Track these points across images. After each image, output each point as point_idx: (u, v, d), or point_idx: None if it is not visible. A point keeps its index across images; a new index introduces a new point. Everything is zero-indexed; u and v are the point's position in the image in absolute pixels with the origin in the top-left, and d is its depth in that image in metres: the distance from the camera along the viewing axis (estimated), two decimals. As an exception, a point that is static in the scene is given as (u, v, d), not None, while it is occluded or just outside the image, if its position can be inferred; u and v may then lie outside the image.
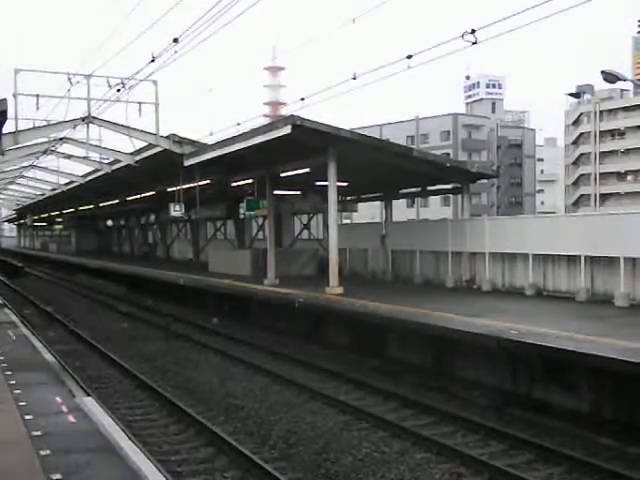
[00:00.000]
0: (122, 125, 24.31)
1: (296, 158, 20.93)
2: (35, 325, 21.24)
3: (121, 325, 23.17)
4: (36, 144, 26.52)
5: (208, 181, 25.63)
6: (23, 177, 42.16)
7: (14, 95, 22.17)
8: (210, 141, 24.14)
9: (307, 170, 21.33)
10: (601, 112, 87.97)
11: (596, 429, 10.12)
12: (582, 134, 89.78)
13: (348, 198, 29.50)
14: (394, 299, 17.22)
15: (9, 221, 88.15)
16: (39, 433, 7.50)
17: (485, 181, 55.39)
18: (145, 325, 23.00)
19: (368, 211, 36.22)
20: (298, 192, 27.59)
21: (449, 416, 11.24)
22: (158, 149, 24.62)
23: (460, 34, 12.81)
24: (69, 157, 31.73)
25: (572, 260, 17.21)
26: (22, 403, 8.81)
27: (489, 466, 8.88)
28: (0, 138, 20.44)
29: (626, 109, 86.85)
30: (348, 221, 35.83)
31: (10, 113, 17.93)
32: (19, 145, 24.35)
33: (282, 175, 22.80)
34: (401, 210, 49.04)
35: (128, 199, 38.65)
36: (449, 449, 9.59)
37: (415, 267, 23.08)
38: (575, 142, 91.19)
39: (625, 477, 8.41)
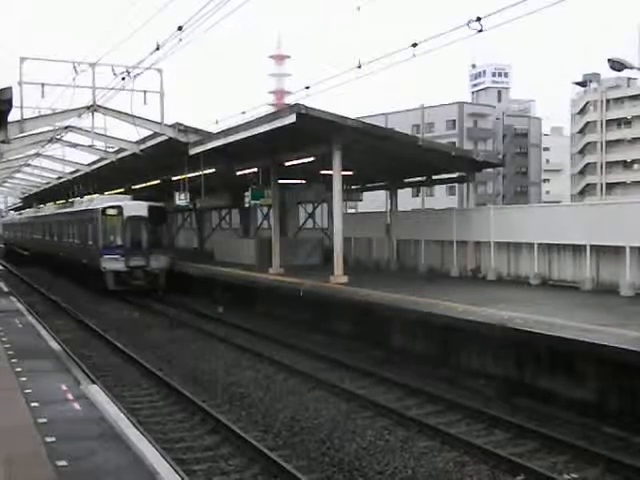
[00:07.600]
0: (127, 114, 24.28)
1: (301, 147, 20.88)
2: (41, 313, 21.31)
3: (126, 313, 23.23)
4: (41, 132, 26.51)
5: (213, 170, 25.62)
6: (28, 166, 42.17)
7: (19, 83, 22.15)
8: (215, 130, 24.07)
9: (312, 159, 21.30)
10: (607, 101, 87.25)
11: (602, 419, 10.11)
12: (588, 123, 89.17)
13: (353, 187, 29.46)
14: (398, 288, 17.22)
15: (15, 209, 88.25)
16: (45, 420, 7.55)
17: (491, 170, 55.21)
18: (150, 314, 23.05)
19: (372, 200, 36.11)
20: (303, 181, 27.56)
21: (454, 405, 11.26)
22: (163, 138, 24.60)
23: (466, 22, 12.74)
24: (74, 146, 31.70)
25: (577, 249, 17.16)
26: (28, 391, 8.86)
27: (493, 454, 8.89)
28: (6, 126, 20.44)
29: (633, 97, 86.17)
30: (353, 210, 35.80)
31: (15, 101, 17.89)
32: (25, 133, 24.35)
33: (287, 164, 22.77)
34: (406, 199, 48.87)
35: (133, 187, 38.64)
36: (453, 437, 9.61)
37: (420, 256, 23.05)
38: (581, 131, 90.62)
39: (630, 467, 8.41)
